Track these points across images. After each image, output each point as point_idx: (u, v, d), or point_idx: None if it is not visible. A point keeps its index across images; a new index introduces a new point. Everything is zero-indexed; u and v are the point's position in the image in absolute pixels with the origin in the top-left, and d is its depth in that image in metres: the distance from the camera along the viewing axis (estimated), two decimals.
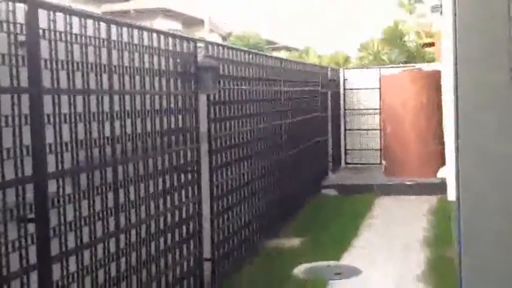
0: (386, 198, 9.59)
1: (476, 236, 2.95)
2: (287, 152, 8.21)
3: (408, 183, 10.02)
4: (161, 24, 26.25)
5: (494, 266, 2.92)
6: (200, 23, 28.83)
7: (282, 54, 26.63)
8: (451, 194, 4.25)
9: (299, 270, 5.96)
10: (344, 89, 12.67)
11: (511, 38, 2.78)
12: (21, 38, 3.07)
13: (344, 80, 12.73)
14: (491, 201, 2.89)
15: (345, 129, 12.69)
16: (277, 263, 6.20)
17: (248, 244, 6.49)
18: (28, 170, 3.04)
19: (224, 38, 29.87)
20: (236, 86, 6.25)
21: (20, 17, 3.07)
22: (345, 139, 12.69)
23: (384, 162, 11.35)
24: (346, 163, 12.65)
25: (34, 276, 3.02)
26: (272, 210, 7.38)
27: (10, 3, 3.00)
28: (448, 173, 6.07)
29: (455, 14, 2.99)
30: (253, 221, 6.69)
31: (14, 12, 3.03)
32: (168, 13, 27.69)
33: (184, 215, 4.88)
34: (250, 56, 6.86)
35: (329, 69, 12.22)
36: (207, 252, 5.35)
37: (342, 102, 12.64)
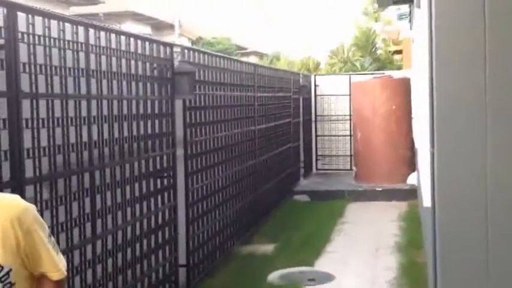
0: (357, 203, 9.70)
1: (451, 241, 3.02)
2: (260, 158, 8.23)
3: (378, 189, 10.15)
4: (131, 28, 26.03)
5: (468, 271, 2.99)
6: (170, 27, 28.70)
7: (252, 60, 26.73)
8: (426, 200, 4.32)
9: (273, 276, 5.98)
10: (315, 95, 12.78)
11: (487, 41, 2.84)
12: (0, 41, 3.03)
13: (315, 86, 12.85)
14: (466, 206, 2.95)
15: (316, 135, 12.80)
16: (251, 269, 6.21)
17: (223, 250, 6.49)
18: (6, 175, 2.99)
19: (194, 43, 29.80)
20: (211, 91, 6.25)
21: None
22: (316, 145, 12.79)
23: (354, 168, 11.49)
24: (317, 169, 12.75)
25: None
26: (246, 215, 7.39)
27: None
28: (421, 179, 6.19)
29: (430, 17, 3.04)
30: (227, 226, 6.68)
31: None
32: (137, 17, 27.47)
33: (160, 221, 4.85)
34: (225, 61, 6.87)
35: (301, 75, 12.31)
36: (182, 258, 5.33)
37: (313, 108, 12.74)
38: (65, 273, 1.94)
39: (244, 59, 26.28)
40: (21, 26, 3.18)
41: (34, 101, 3.24)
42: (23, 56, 3.18)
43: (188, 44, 28.55)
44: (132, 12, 26.98)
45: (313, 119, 12.77)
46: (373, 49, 22.74)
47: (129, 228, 4.30)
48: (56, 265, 1.89)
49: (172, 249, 5.09)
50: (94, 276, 3.79)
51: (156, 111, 4.84)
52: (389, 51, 21.38)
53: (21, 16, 3.18)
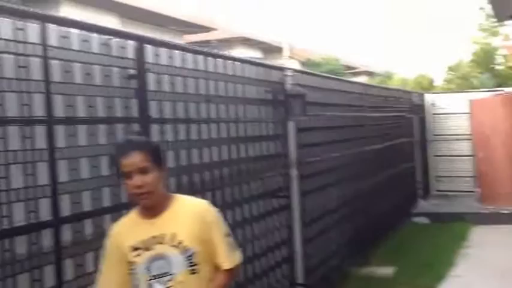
0: (481, 226, 9.19)
1: None
2: (374, 178, 8.14)
3: (504, 211, 9.57)
4: (241, 52, 26.93)
5: None
6: (279, 50, 29.28)
7: (362, 80, 26.47)
8: None
9: None
10: (430, 113, 12.38)
11: None
12: (131, 71, 3.32)
13: (430, 104, 12.46)
14: None
15: (433, 156, 12.35)
16: None
17: (340, 270, 6.46)
18: None
19: (303, 64, 30.14)
20: (322, 112, 6.32)
21: (130, 53, 3.32)
22: (433, 166, 12.34)
23: (477, 189, 10.92)
24: (437, 190, 12.26)
25: None
26: (362, 236, 7.32)
27: (122, 41, 3.26)
28: None
29: None
30: (344, 247, 6.66)
31: (124, 48, 3.28)
32: (247, 42, 28.38)
33: (277, 240, 4.96)
34: (335, 82, 6.93)
35: (414, 94, 12.03)
36: (300, 278, 5.39)
37: (428, 127, 12.35)
38: (235, 264, 2.43)
39: (354, 79, 26.16)
40: (149, 57, 3.47)
41: (161, 126, 3.50)
42: (151, 85, 3.46)
43: (298, 66, 28.95)
44: (242, 38, 27.93)
45: (428, 138, 12.37)
46: (493, 65, 21.67)
47: (247, 246, 4.45)
48: (227, 257, 2.39)
49: (289, 267, 5.17)
50: None
51: (270, 132, 4.99)
52: (510, 67, 20.27)
53: (148, 48, 3.47)
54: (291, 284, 5.19)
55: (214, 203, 3.91)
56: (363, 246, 7.33)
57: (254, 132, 4.69)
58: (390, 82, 23.68)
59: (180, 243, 2.29)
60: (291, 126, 5.48)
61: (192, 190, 3.74)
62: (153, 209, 2.34)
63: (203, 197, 3.82)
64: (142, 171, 2.26)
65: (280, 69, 5.47)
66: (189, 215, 2.35)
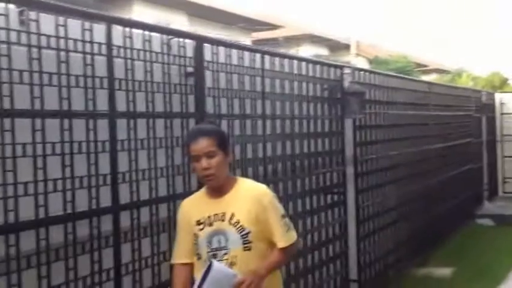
0: None
1: None
2: (436, 178, 8.02)
3: None
4: (308, 49, 26.90)
5: None
6: (346, 47, 29.03)
7: (432, 78, 25.83)
8: None
9: None
10: (501, 113, 11.99)
11: None
12: (189, 69, 3.51)
13: (501, 104, 12.05)
14: None
15: (503, 156, 11.95)
16: None
17: (396, 269, 6.45)
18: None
19: (370, 62, 29.73)
20: (382, 110, 6.33)
21: (189, 51, 3.51)
22: (502, 167, 11.95)
23: None
24: (504, 192, 11.87)
25: None
26: (421, 236, 7.25)
27: (181, 40, 3.45)
28: None
29: None
30: (400, 246, 6.64)
31: (184, 47, 3.47)
32: (314, 39, 28.30)
33: (330, 235, 5.04)
34: (396, 80, 6.89)
35: (483, 92, 11.69)
36: (353, 274, 5.44)
37: (498, 127, 11.96)
38: (290, 243, 2.65)
39: (424, 77, 25.53)
40: (207, 55, 3.64)
41: (217, 121, 3.66)
42: (208, 82, 3.63)
43: (364, 64, 28.60)
44: (309, 35, 27.89)
45: (498, 139, 11.98)
46: None
47: (300, 240, 4.55)
48: (282, 236, 2.62)
49: (343, 263, 5.24)
50: None
51: (326, 129, 5.07)
52: None
53: (207, 47, 3.65)
54: (344, 280, 5.25)
55: None
56: (422, 246, 7.26)
57: (310, 129, 4.78)
58: (460, 80, 22.98)
59: (237, 222, 2.56)
60: (348, 124, 5.53)
61: None
62: (218, 189, 2.63)
63: None
64: (209, 155, 2.56)
65: (339, 67, 5.52)
66: (248, 198, 2.61)
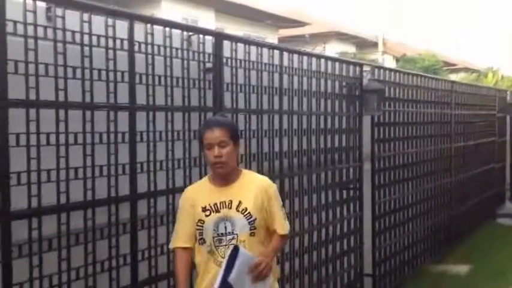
0: None
1: None
2: (456, 176, 8.02)
3: None
4: (334, 47, 26.83)
5: None
6: (373, 45, 28.87)
7: (459, 77, 25.54)
8: None
9: None
10: None
11: None
12: (208, 65, 3.63)
13: None
14: None
15: None
16: (441, 286, 6.13)
17: (411, 265, 6.51)
18: None
19: (398, 60, 29.51)
20: (402, 108, 6.37)
21: (208, 48, 3.63)
22: None
23: None
24: None
25: None
26: (438, 234, 7.28)
27: (201, 36, 3.58)
28: None
29: None
30: (417, 243, 6.68)
31: (203, 43, 3.59)
32: (341, 36, 28.19)
33: (345, 229, 5.13)
34: (417, 78, 6.92)
35: (508, 92, 11.58)
36: (368, 268, 5.52)
37: None
38: (288, 231, 2.89)
39: (452, 76, 25.23)
40: (226, 51, 3.76)
41: (234, 115, 3.78)
42: (227, 77, 3.75)
43: (391, 62, 28.39)
44: (336, 32, 27.80)
45: None
46: None
47: (315, 233, 4.66)
48: (283, 225, 2.86)
49: (357, 257, 5.32)
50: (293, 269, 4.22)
51: (344, 126, 5.15)
52: None
53: (226, 43, 3.76)
54: (358, 274, 5.33)
55: (281, 191, 4.19)
56: (440, 244, 7.29)
57: (327, 125, 4.86)
58: (486, 80, 22.65)
59: (244, 210, 2.74)
60: (367, 121, 5.60)
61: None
62: (224, 178, 2.79)
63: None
64: (221, 145, 2.72)
65: (358, 64, 5.59)
66: (254, 188, 2.80)
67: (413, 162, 6.59)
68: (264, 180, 2.90)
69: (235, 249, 2.62)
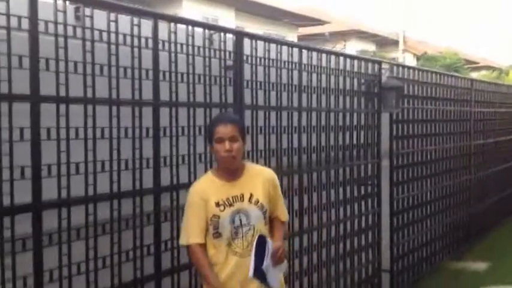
0: None
1: None
2: (476, 174, 8.02)
3: None
4: (354, 45, 26.80)
5: None
6: (394, 43, 28.76)
7: (480, 74, 25.31)
8: None
9: None
10: None
11: None
12: (229, 62, 3.73)
13: None
14: None
15: None
16: (458, 284, 6.16)
17: (430, 262, 6.54)
18: None
19: (418, 58, 29.33)
20: (421, 105, 6.40)
21: (229, 46, 3.73)
22: None
23: None
24: None
25: None
26: (458, 231, 7.30)
27: (222, 35, 3.68)
28: None
29: None
30: (435, 239, 6.72)
31: (224, 42, 3.69)
32: (361, 34, 28.15)
33: (363, 225, 5.20)
34: (436, 76, 6.94)
35: None
36: (386, 264, 5.58)
37: None
38: (288, 218, 3.22)
39: (474, 74, 25.01)
40: (246, 49, 3.85)
41: (254, 112, 3.88)
42: (247, 75, 3.85)
43: (412, 60, 28.23)
44: (356, 31, 27.76)
45: None
46: None
47: (333, 228, 4.74)
48: (284, 211, 3.15)
49: (375, 253, 5.39)
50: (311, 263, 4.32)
51: (362, 123, 5.21)
52: None
53: (246, 41, 3.86)
54: (376, 269, 5.40)
55: (300, 185, 4.28)
56: (458, 241, 7.31)
57: (345, 121, 4.93)
58: (507, 78, 22.42)
59: (257, 201, 2.92)
60: (385, 118, 5.65)
61: (280, 172, 4.09)
62: (233, 172, 2.92)
63: (290, 177, 4.20)
64: (232, 139, 2.85)
65: (377, 62, 5.65)
66: (262, 180, 2.98)
67: (431, 159, 6.62)
68: (267, 171, 3.11)
69: (262, 239, 2.81)
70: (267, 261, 2.78)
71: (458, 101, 7.53)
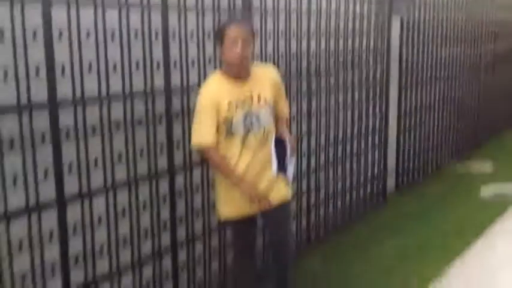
0: None
1: None
2: (486, 78, 8.04)
3: None
4: None
5: None
6: None
7: None
8: None
9: (486, 190, 6.06)
10: None
11: None
12: None
13: None
14: None
15: None
16: (463, 183, 6.38)
17: (436, 164, 6.74)
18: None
19: None
20: (432, 11, 6.32)
21: None
22: None
23: None
24: None
25: None
26: (465, 134, 7.44)
27: None
28: None
29: None
30: (442, 142, 6.88)
31: None
32: None
33: (370, 127, 5.35)
34: None
35: None
36: (391, 164, 5.80)
37: None
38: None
39: None
40: None
41: (263, 15, 3.89)
42: None
43: None
44: None
45: None
46: None
47: (340, 130, 4.90)
48: (287, 107, 3.32)
49: (381, 153, 5.59)
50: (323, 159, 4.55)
51: (373, 28, 5.22)
52: None
53: None
54: (383, 169, 5.61)
55: (309, 88, 4.39)
56: (467, 145, 7.48)
57: (357, 26, 4.94)
58: None
59: (265, 101, 3.06)
60: (395, 23, 5.63)
61: (288, 78, 4.19)
62: (242, 73, 3.01)
63: (298, 85, 4.30)
64: (246, 41, 2.92)
65: None
66: (267, 79, 3.11)
67: (441, 64, 6.63)
68: (271, 70, 3.23)
69: (279, 137, 3.08)
70: (290, 157, 3.08)
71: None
